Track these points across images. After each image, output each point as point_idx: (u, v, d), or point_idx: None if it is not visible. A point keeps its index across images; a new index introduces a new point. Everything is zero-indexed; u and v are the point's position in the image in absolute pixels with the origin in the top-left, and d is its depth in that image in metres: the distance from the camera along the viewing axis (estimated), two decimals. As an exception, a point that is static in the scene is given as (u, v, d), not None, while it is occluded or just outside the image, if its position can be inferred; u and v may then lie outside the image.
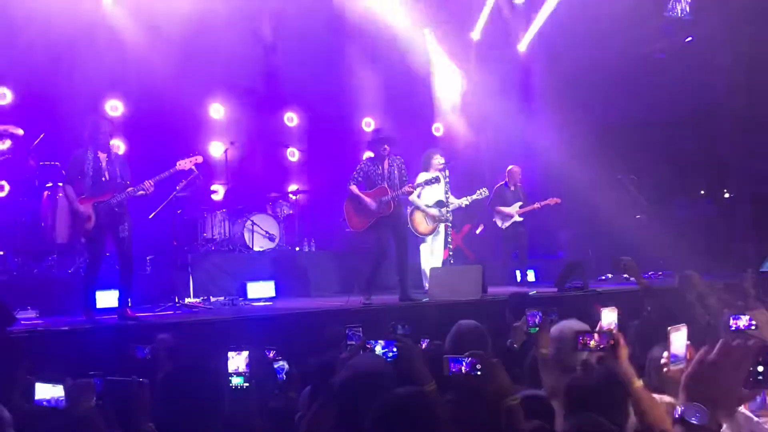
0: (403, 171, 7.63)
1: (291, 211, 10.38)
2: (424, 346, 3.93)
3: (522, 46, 12.91)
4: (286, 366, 3.97)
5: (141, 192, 6.49)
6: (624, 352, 2.80)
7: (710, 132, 11.75)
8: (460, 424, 2.59)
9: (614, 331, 2.98)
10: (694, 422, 1.65)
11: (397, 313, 6.92)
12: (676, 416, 1.67)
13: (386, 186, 7.50)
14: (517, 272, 10.20)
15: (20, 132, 8.80)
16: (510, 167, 10.26)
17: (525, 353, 3.69)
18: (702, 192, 12.58)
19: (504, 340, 4.23)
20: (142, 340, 4.62)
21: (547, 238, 11.81)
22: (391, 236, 7.57)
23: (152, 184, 6.50)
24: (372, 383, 2.75)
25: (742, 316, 3.24)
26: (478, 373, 2.67)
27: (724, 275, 7.80)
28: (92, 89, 9.44)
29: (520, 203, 10.00)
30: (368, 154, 8.15)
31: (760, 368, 1.66)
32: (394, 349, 3.22)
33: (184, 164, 6.87)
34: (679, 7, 12.44)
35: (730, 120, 11.76)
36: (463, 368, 2.71)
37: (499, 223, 10.04)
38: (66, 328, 5.91)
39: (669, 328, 2.59)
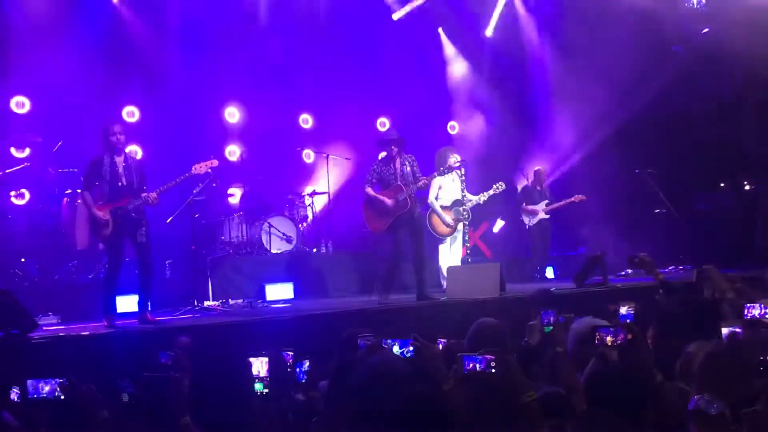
0: (415, 168, 7.61)
1: (308, 213, 10.40)
2: (441, 346, 3.91)
3: (536, 42, 12.82)
4: (308, 365, 3.97)
5: (149, 202, 6.52)
6: (643, 346, 2.78)
7: (729, 124, 11.59)
8: (477, 421, 2.59)
9: (632, 326, 2.95)
10: (709, 412, 1.66)
11: (415, 313, 6.94)
12: (691, 407, 1.69)
13: (401, 184, 7.51)
14: (552, 269, 10.56)
15: (39, 140, 8.94)
16: (536, 168, 10.64)
17: (543, 351, 3.67)
18: (722, 185, 12.43)
19: (522, 338, 4.21)
20: (163, 344, 4.65)
21: (567, 234, 11.78)
22: (408, 234, 7.56)
23: (156, 197, 6.53)
24: (390, 382, 2.75)
25: (756, 305, 3.20)
26: (493, 370, 2.66)
27: (745, 268, 7.70)
28: (109, 96, 9.54)
29: (546, 201, 10.34)
30: (382, 154, 8.13)
31: None
32: (411, 348, 3.21)
33: (200, 168, 6.90)
34: (695, -1, 12.30)
35: (749, 111, 11.61)
36: (478, 366, 2.70)
37: (526, 220, 10.42)
38: (86, 333, 5.97)
39: None
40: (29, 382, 3.10)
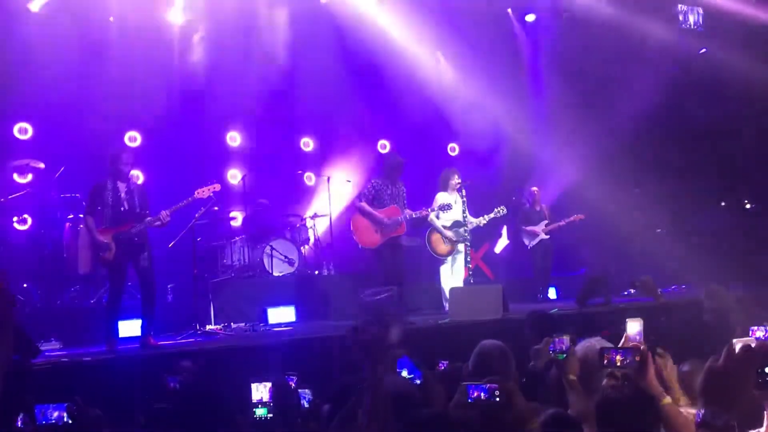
0: (404, 195, 7.84)
1: (309, 236, 10.41)
2: (442, 368, 3.90)
3: (533, 63, 12.91)
4: (310, 394, 3.95)
5: (157, 223, 6.56)
6: (651, 369, 2.77)
7: (728, 142, 11.64)
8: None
9: (642, 347, 2.94)
10: (716, 424, 1.72)
11: (417, 335, 6.92)
12: (698, 420, 1.74)
13: (398, 206, 7.68)
14: (554, 289, 10.52)
15: (41, 166, 8.99)
16: (533, 189, 10.62)
17: (546, 373, 3.64)
18: (722, 203, 12.44)
19: (526, 360, 4.19)
20: (165, 369, 4.66)
21: (569, 255, 11.76)
22: (393, 256, 7.67)
23: (168, 214, 6.57)
24: (398, 405, 2.74)
25: (761, 328, 3.20)
26: (497, 399, 2.64)
27: (747, 287, 7.70)
28: (111, 121, 9.59)
29: (546, 222, 10.29)
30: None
31: None
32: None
33: (202, 193, 6.94)
34: (692, 19, 12.42)
35: (747, 130, 11.66)
36: (482, 395, 2.68)
37: (526, 241, 10.40)
38: (88, 359, 5.95)
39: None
40: (37, 407, 3.11)
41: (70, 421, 3.09)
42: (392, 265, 7.69)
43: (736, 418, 1.77)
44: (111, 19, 9.93)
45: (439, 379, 3.84)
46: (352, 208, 7.86)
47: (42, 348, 6.16)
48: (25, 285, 8.33)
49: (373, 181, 7.89)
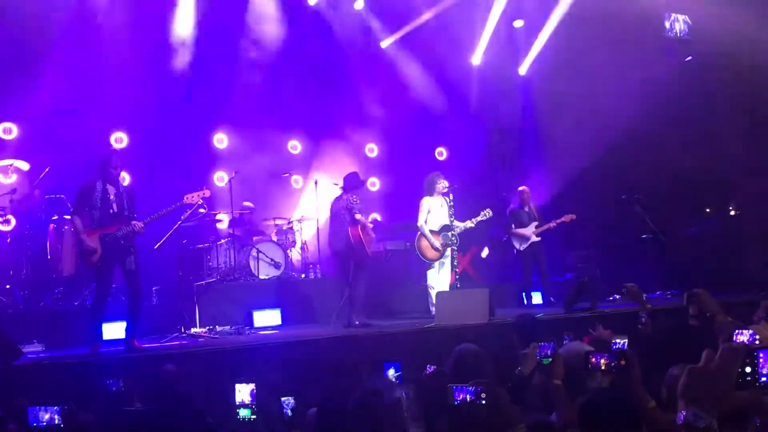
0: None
1: (296, 239, 10.38)
2: (429, 372, 3.89)
3: (522, 69, 12.98)
4: (292, 401, 3.93)
5: (129, 229, 6.50)
6: (637, 372, 2.79)
7: (713, 150, 11.73)
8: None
9: (627, 352, 2.96)
10: (698, 425, 1.71)
11: (404, 339, 6.92)
12: (680, 421, 1.73)
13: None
14: (540, 294, 10.36)
15: (26, 166, 8.90)
16: (521, 188, 10.37)
17: (531, 378, 3.64)
18: (707, 210, 12.53)
19: (512, 365, 4.18)
20: (148, 371, 4.64)
21: (555, 260, 11.77)
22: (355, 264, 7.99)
23: (142, 226, 6.52)
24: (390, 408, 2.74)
25: (745, 331, 3.23)
26: (483, 401, 2.64)
27: (731, 293, 7.76)
28: (97, 122, 9.53)
29: (536, 223, 10.11)
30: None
31: (748, 369, 1.74)
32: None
33: (191, 198, 6.88)
34: (677, 27, 12.52)
35: (733, 137, 11.76)
36: (468, 397, 2.68)
37: (517, 245, 10.12)
38: (71, 361, 5.90)
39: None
40: (30, 409, 3.08)
41: (62, 425, 3.06)
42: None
43: (718, 420, 1.77)
44: (98, 18, 9.87)
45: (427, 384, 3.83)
46: (354, 222, 7.95)
47: (24, 350, 6.10)
48: (8, 286, 8.25)
49: (354, 197, 8.08)
